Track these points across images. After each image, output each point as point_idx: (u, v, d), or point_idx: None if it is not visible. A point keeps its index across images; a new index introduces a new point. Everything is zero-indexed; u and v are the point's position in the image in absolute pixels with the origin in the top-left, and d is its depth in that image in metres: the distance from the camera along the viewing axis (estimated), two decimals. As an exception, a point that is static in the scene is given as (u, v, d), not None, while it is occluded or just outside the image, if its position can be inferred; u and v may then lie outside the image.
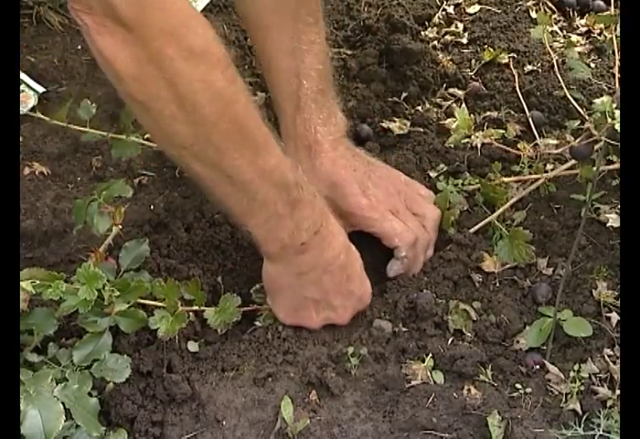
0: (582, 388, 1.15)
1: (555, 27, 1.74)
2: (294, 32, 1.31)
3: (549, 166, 1.44)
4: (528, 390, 1.15)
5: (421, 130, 1.55)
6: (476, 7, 1.79)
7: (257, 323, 1.25)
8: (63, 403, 1.07)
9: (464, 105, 1.55)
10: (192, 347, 1.20)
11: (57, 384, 1.09)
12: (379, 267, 1.34)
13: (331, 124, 1.35)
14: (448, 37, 1.73)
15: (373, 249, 1.35)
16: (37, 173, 1.42)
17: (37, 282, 1.09)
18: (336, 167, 1.33)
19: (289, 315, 1.24)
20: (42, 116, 1.43)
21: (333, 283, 1.21)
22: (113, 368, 1.12)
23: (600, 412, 1.11)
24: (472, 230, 1.35)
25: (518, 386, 1.16)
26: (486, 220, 1.34)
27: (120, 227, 1.23)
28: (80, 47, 1.67)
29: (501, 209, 1.34)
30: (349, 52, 1.68)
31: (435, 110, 1.59)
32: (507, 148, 1.45)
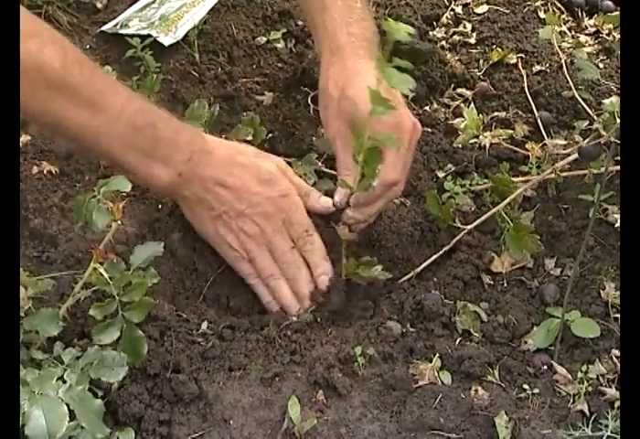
0: (590, 389, 1.15)
1: (563, 28, 1.74)
2: None
3: (556, 166, 1.44)
4: (536, 390, 1.15)
5: (429, 130, 1.54)
6: (485, 7, 1.79)
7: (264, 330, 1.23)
8: (67, 404, 1.05)
9: (472, 105, 1.55)
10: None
11: (62, 383, 1.08)
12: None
13: (359, 27, 1.34)
14: (456, 38, 1.73)
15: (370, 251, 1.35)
16: (45, 172, 1.42)
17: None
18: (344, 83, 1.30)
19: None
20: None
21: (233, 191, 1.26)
22: (110, 366, 1.10)
23: (608, 413, 1.11)
24: (478, 222, 1.32)
25: (526, 387, 1.15)
26: (494, 210, 1.32)
27: (119, 223, 1.22)
28: (88, 46, 1.67)
29: (508, 199, 1.32)
30: (357, 52, 1.68)
31: (443, 110, 1.59)
32: (515, 148, 1.45)
